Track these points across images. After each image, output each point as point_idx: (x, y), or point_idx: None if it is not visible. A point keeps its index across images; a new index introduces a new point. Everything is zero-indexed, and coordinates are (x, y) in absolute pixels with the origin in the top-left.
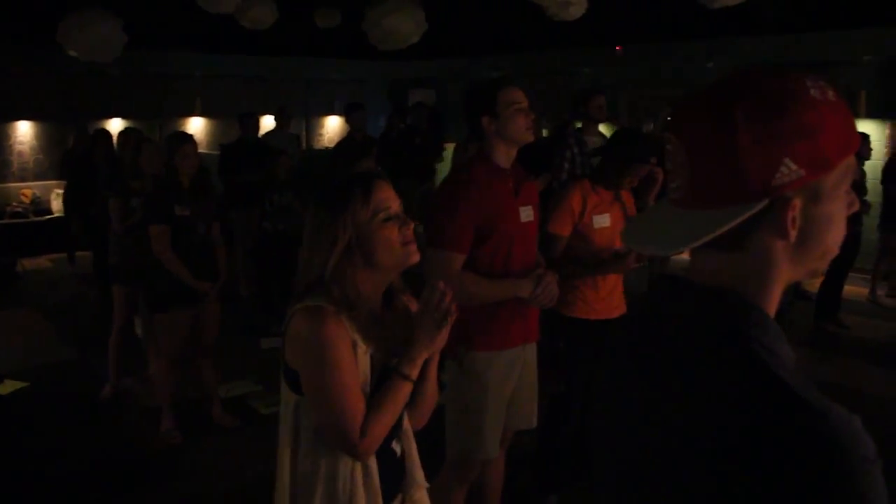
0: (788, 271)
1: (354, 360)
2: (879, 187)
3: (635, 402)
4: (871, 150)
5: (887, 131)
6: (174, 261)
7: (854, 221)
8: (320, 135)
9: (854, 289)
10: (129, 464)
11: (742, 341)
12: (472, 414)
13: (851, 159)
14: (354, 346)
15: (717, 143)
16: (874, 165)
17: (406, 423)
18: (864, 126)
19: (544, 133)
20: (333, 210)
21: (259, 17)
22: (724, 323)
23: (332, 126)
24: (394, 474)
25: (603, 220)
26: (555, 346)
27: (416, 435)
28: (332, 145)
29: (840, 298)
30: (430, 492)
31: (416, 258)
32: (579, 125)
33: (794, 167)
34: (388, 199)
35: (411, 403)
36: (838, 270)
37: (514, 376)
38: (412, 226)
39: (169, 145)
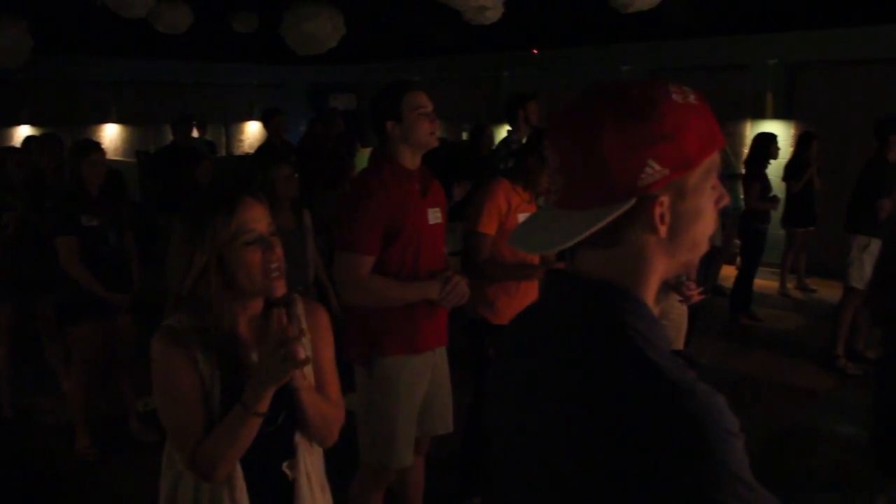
0: (663, 264)
1: (195, 379)
2: (782, 184)
3: (521, 393)
4: (779, 149)
5: (792, 131)
6: (83, 273)
7: (762, 219)
8: (240, 141)
9: (765, 282)
10: (42, 483)
11: (618, 328)
12: (384, 421)
13: (715, 156)
14: (197, 364)
15: (586, 148)
16: (778, 164)
17: (304, 445)
18: (770, 126)
19: (464, 136)
20: (194, 228)
21: (174, 21)
22: (603, 312)
23: (252, 132)
24: (280, 496)
25: None
26: (483, 353)
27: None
28: (252, 151)
29: (752, 292)
30: (347, 497)
31: (278, 292)
32: (510, 130)
33: (658, 167)
34: (254, 219)
35: (300, 425)
36: (750, 265)
37: (425, 381)
38: (278, 251)
39: (74, 153)
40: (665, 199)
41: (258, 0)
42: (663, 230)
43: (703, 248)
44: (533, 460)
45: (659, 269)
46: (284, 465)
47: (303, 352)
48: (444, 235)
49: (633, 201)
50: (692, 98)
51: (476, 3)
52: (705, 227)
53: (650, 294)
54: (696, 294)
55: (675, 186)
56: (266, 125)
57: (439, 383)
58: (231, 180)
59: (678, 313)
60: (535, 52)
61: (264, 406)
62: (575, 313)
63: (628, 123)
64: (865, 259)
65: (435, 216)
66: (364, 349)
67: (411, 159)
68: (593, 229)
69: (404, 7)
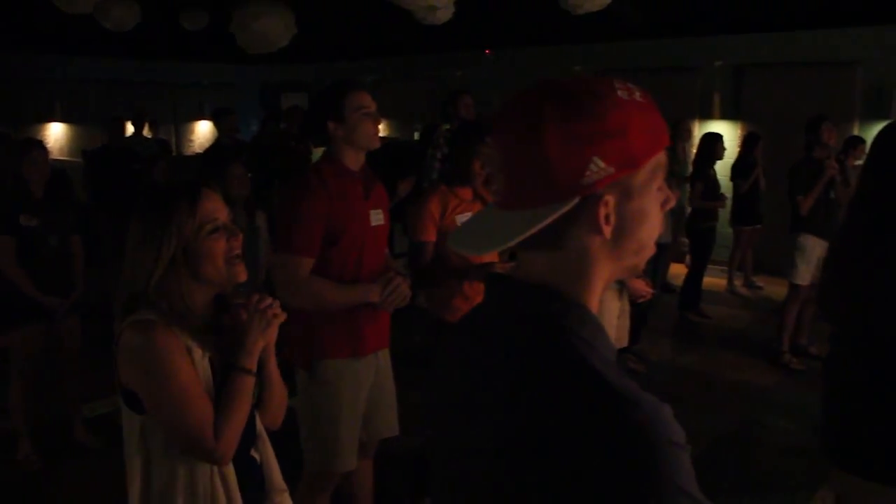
0: (607, 267)
1: (192, 366)
2: (730, 184)
3: (461, 401)
4: (724, 149)
5: (739, 131)
6: (18, 274)
7: (709, 217)
8: (190, 140)
9: (714, 280)
10: None
11: (561, 334)
12: (326, 425)
13: (661, 156)
14: (190, 352)
15: (528, 144)
16: (725, 164)
17: (260, 428)
18: (717, 127)
19: (415, 136)
20: (158, 221)
21: (121, 18)
22: (544, 317)
23: (203, 131)
24: (255, 482)
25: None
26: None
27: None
28: (202, 151)
29: (701, 290)
30: (293, 499)
31: (241, 277)
32: (448, 127)
33: (602, 165)
34: (216, 209)
35: (260, 404)
36: (698, 264)
37: (367, 385)
38: (240, 238)
39: (14, 152)
40: (610, 199)
41: None
42: (608, 231)
43: (650, 251)
44: (473, 472)
45: (603, 272)
46: (252, 449)
47: (279, 309)
48: (386, 237)
49: (576, 200)
50: (638, 96)
51: (426, 2)
52: (651, 229)
53: (594, 299)
54: (647, 292)
55: (620, 186)
56: (217, 124)
57: (383, 386)
58: (189, 176)
59: (622, 313)
60: (488, 52)
61: (255, 365)
62: (516, 319)
63: (572, 120)
64: (798, 256)
65: (377, 218)
66: (306, 352)
67: (354, 160)
68: (534, 229)
69: (356, 6)
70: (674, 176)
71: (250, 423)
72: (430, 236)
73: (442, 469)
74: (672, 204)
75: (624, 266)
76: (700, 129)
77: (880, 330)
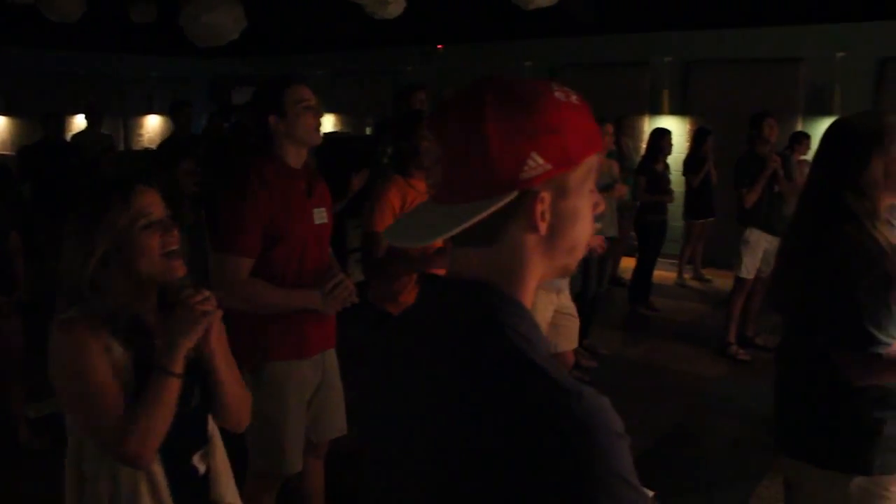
0: (541, 265)
1: (109, 365)
2: (682, 178)
3: (400, 398)
4: (671, 144)
5: (688, 126)
6: None
7: (656, 211)
8: (139, 135)
9: (664, 273)
10: None
11: (498, 330)
12: (272, 427)
13: (594, 159)
14: (110, 350)
15: (467, 138)
16: (677, 159)
17: (213, 434)
18: (667, 122)
19: (368, 131)
20: (91, 216)
21: (64, 8)
22: (482, 314)
23: (152, 126)
24: (193, 493)
25: None
26: None
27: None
28: (152, 146)
29: (651, 283)
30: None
31: (178, 272)
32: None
33: (540, 161)
34: (150, 204)
35: (214, 407)
36: (647, 257)
37: (313, 386)
38: (176, 233)
39: None
40: (546, 196)
41: None
42: (543, 228)
43: (582, 252)
44: (415, 468)
45: (537, 270)
46: (195, 456)
47: (211, 306)
48: (329, 235)
49: (514, 194)
50: (574, 98)
51: None
52: (584, 229)
53: (528, 296)
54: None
55: (556, 183)
56: (174, 118)
57: (330, 386)
58: (127, 171)
59: (569, 314)
60: (440, 47)
61: (179, 366)
62: (452, 315)
63: (513, 114)
64: (744, 249)
65: (321, 216)
66: (252, 354)
67: (296, 156)
68: (471, 222)
69: (307, 0)
70: (622, 171)
71: (193, 429)
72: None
73: (381, 465)
74: (602, 208)
75: (557, 265)
76: (650, 125)
77: (825, 320)
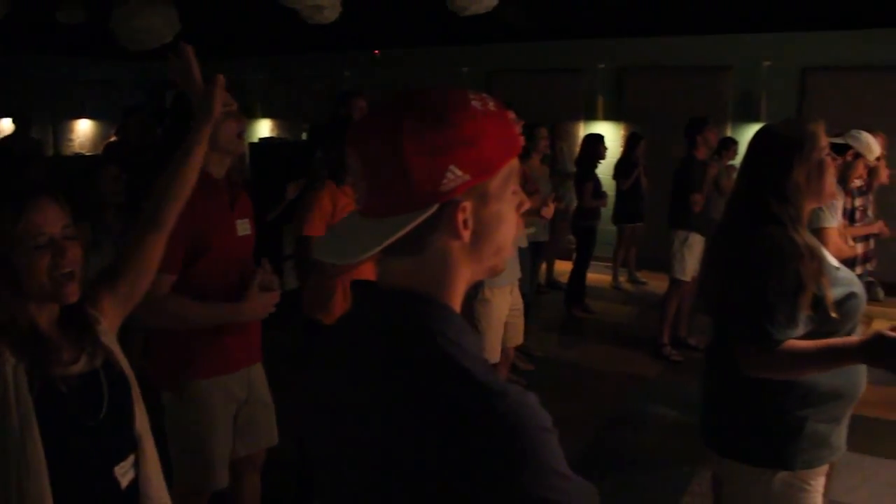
0: (468, 269)
1: None
2: (612, 182)
3: (336, 408)
4: (606, 149)
5: (622, 132)
6: None
7: (593, 216)
8: (70, 140)
9: (599, 276)
10: None
11: (427, 336)
12: (197, 443)
13: (514, 162)
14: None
15: (386, 154)
16: (608, 163)
17: (144, 440)
18: (601, 127)
19: (304, 136)
20: None
21: None
22: (411, 321)
23: (83, 131)
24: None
25: None
26: None
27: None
28: (84, 151)
29: (585, 286)
30: None
31: (70, 298)
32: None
33: (459, 173)
34: (46, 221)
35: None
36: (582, 260)
37: (239, 400)
38: (70, 254)
39: None
40: (467, 205)
41: None
42: (467, 235)
43: (508, 252)
44: (356, 476)
45: (464, 274)
46: (116, 468)
47: None
48: (252, 247)
49: (435, 207)
50: (491, 105)
51: (312, 1)
52: (508, 231)
53: (457, 299)
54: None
55: (476, 192)
56: (126, 123)
57: (259, 399)
58: (22, 178)
59: (518, 311)
60: (377, 52)
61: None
62: (383, 323)
63: (429, 129)
64: (686, 253)
65: (244, 227)
66: (173, 372)
67: (218, 166)
68: (396, 237)
69: (242, 4)
70: (557, 175)
71: (110, 440)
72: (319, 231)
73: (326, 475)
74: (527, 206)
75: (484, 267)
76: (585, 130)
77: (745, 322)
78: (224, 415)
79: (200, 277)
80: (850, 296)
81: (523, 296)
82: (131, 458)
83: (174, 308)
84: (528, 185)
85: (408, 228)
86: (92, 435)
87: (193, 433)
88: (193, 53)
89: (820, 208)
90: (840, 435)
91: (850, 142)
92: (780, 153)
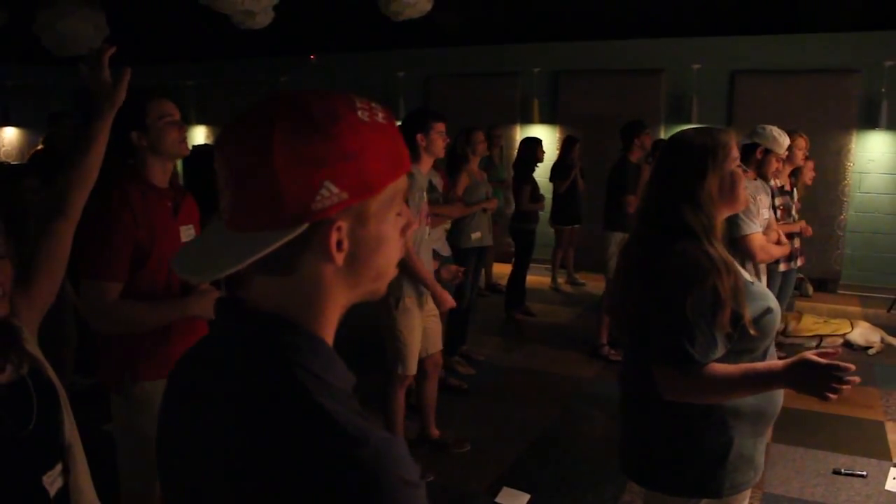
0: (342, 295)
1: None
2: (549, 185)
3: (185, 440)
4: (544, 152)
5: (557, 135)
6: None
7: (531, 219)
8: None
9: (539, 278)
10: None
11: (286, 368)
12: (143, 447)
13: (401, 182)
14: None
15: (255, 163)
16: (545, 166)
17: (74, 448)
18: (537, 131)
19: None
20: None
21: None
22: (269, 349)
23: (8, 138)
24: None
25: None
26: None
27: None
28: (9, 160)
29: (525, 289)
30: None
31: (1, 311)
32: None
33: (335, 190)
34: None
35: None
36: (521, 264)
37: None
38: (1, 276)
39: None
40: (343, 225)
41: None
42: (340, 258)
43: (390, 276)
44: None
45: (338, 300)
46: (45, 477)
47: None
48: None
49: (304, 227)
50: (380, 117)
51: (243, 6)
52: (389, 255)
53: (328, 327)
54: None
55: (354, 212)
56: (53, 129)
57: None
58: None
59: (434, 317)
60: (313, 57)
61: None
62: (240, 349)
63: (304, 140)
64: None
65: (188, 233)
66: (118, 375)
67: (161, 173)
68: (260, 255)
69: (171, 8)
70: (493, 180)
71: (39, 449)
72: None
73: (173, 496)
74: (414, 227)
75: (361, 292)
76: (521, 133)
77: (665, 343)
78: None
79: (146, 284)
80: (767, 311)
81: (460, 300)
82: (59, 467)
83: (123, 312)
84: (450, 193)
85: (273, 247)
86: (21, 445)
87: (139, 436)
88: (108, 56)
89: (737, 216)
90: (762, 452)
91: (756, 139)
92: (693, 161)
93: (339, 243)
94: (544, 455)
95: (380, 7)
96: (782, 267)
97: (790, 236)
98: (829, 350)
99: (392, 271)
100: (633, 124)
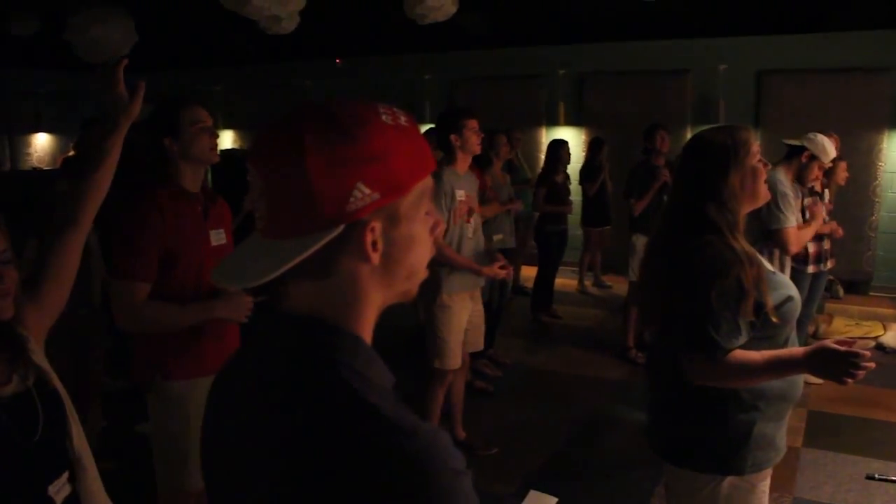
0: (378, 294)
1: None
2: (578, 187)
3: (233, 442)
4: (569, 154)
5: (583, 137)
6: None
7: (554, 221)
8: (27, 154)
9: (566, 281)
10: None
11: (330, 367)
12: (176, 444)
13: (427, 181)
14: None
15: (289, 171)
16: (574, 168)
17: (83, 459)
18: (563, 133)
19: None
20: None
21: None
22: (314, 350)
23: (41, 144)
24: None
25: None
26: None
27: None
28: (42, 165)
29: (552, 291)
30: None
31: (5, 314)
32: None
33: (367, 191)
34: None
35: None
36: (549, 265)
37: None
38: (7, 280)
39: None
40: (376, 226)
41: (39, 2)
42: (376, 258)
43: (422, 275)
44: None
45: (375, 300)
46: (51, 487)
47: None
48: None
49: (341, 228)
50: (403, 120)
51: (269, 12)
52: (421, 254)
53: (366, 327)
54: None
55: (386, 212)
56: (84, 134)
57: None
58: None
59: (478, 317)
60: (338, 61)
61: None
62: (284, 352)
63: (334, 145)
64: (641, 257)
65: (218, 237)
66: (149, 374)
67: (192, 178)
68: (298, 259)
69: (200, 14)
70: (517, 182)
71: (45, 459)
72: None
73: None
74: (442, 228)
75: (396, 292)
76: (547, 136)
77: (678, 324)
78: (201, 417)
79: (175, 286)
80: (788, 299)
81: (490, 302)
82: (65, 475)
83: (151, 313)
84: (486, 192)
85: (311, 250)
86: (27, 456)
87: (172, 434)
88: (122, 69)
89: (777, 207)
90: (783, 436)
91: (806, 144)
92: (716, 159)
93: (374, 244)
94: (571, 459)
95: (405, 10)
96: (811, 269)
97: (820, 238)
98: (862, 351)
99: (424, 270)
100: (648, 127)
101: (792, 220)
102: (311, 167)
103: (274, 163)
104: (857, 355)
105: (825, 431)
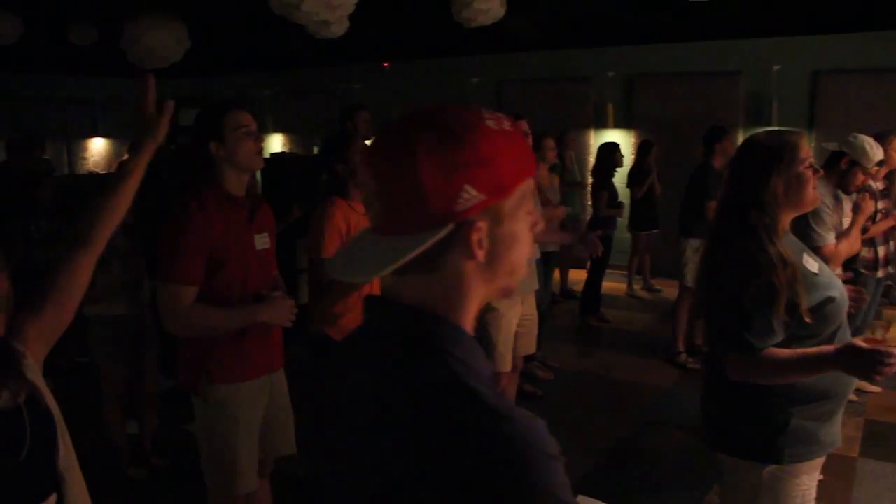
0: (481, 289)
1: None
2: (626, 190)
3: (344, 423)
4: (622, 157)
5: (633, 140)
6: None
7: (608, 225)
8: (84, 158)
9: (614, 284)
10: None
11: (436, 354)
12: (224, 447)
13: (529, 183)
14: None
15: (401, 173)
16: (622, 171)
17: (67, 470)
18: (612, 135)
19: (315, 150)
20: None
21: (2, 30)
22: (421, 338)
23: (97, 149)
24: None
25: None
26: None
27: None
28: (98, 169)
29: (601, 295)
30: None
31: None
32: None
33: (474, 192)
34: None
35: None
36: (597, 269)
37: (262, 405)
38: (2, 284)
39: None
40: (482, 225)
41: (97, 11)
42: (481, 255)
43: (522, 272)
44: (359, 495)
45: (478, 294)
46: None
47: None
48: (273, 259)
49: (450, 227)
50: (506, 125)
51: (318, 17)
52: (522, 251)
53: (469, 319)
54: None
55: (491, 212)
56: None
57: (279, 405)
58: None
59: (530, 321)
60: (386, 64)
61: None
62: (393, 339)
63: (444, 148)
64: (698, 260)
65: (263, 241)
66: (195, 377)
67: (237, 182)
68: (411, 256)
69: (250, 20)
70: (567, 183)
71: (31, 478)
72: (334, 253)
73: (328, 490)
74: (541, 227)
75: (497, 287)
76: (596, 139)
77: (727, 330)
78: (248, 418)
79: (220, 290)
80: (828, 300)
81: (538, 306)
82: (52, 498)
83: (196, 316)
84: (539, 195)
85: (423, 248)
86: (11, 474)
87: (220, 436)
88: (153, 81)
89: (811, 228)
90: (830, 432)
91: (845, 147)
92: (759, 163)
93: (480, 242)
94: (621, 464)
95: (452, 14)
96: (881, 273)
97: (873, 242)
98: (890, 349)
99: (524, 267)
100: (714, 129)
101: (827, 237)
102: (423, 170)
103: (388, 166)
104: (884, 353)
105: (884, 441)
